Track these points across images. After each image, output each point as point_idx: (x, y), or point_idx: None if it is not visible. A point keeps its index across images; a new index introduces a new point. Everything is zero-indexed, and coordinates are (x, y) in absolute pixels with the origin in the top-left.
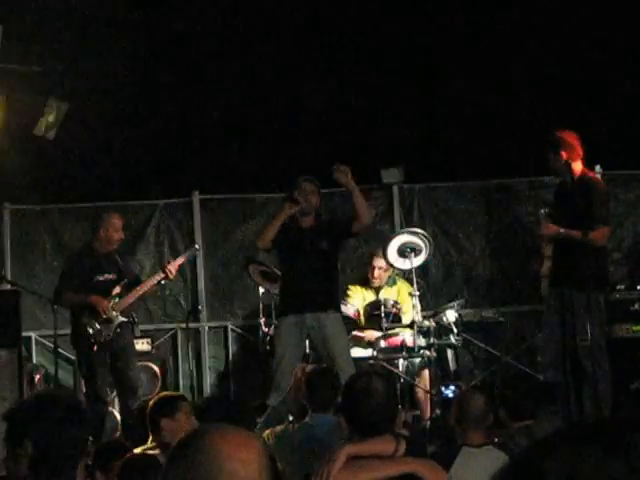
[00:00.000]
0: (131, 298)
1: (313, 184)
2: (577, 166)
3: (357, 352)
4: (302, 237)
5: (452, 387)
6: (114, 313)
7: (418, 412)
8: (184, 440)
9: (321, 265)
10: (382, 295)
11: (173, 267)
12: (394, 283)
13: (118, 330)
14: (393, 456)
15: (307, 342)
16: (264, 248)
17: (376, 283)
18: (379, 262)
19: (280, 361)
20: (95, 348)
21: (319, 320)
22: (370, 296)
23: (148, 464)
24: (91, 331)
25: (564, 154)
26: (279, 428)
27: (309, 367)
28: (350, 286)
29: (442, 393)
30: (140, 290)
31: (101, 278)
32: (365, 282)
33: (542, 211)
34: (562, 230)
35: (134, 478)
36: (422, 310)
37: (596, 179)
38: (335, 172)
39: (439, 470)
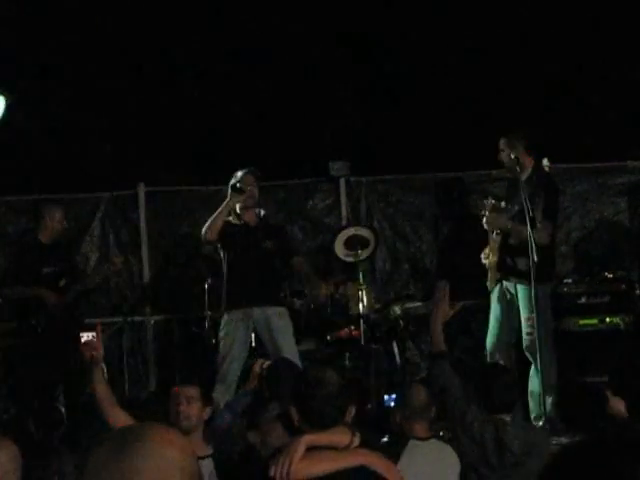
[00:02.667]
0: (77, 290)
1: (254, 176)
2: (529, 162)
3: (304, 345)
4: (246, 233)
5: (394, 396)
6: (61, 306)
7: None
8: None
9: (266, 260)
10: (342, 290)
11: (118, 259)
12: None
13: (65, 322)
14: (347, 448)
15: (253, 336)
16: (211, 240)
17: (338, 278)
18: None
19: (226, 355)
20: (43, 340)
21: (265, 314)
22: (330, 290)
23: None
24: (39, 325)
25: (517, 149)
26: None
27: (267, 362)
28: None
29: (385, 403)
30: (85, 283)
31: (47, 270)
32: (324, 276)
33: (488, 201)
34: (509, 225)
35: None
36: (369, 303)
37: (547, 175)
38: None
39: (390, 463)
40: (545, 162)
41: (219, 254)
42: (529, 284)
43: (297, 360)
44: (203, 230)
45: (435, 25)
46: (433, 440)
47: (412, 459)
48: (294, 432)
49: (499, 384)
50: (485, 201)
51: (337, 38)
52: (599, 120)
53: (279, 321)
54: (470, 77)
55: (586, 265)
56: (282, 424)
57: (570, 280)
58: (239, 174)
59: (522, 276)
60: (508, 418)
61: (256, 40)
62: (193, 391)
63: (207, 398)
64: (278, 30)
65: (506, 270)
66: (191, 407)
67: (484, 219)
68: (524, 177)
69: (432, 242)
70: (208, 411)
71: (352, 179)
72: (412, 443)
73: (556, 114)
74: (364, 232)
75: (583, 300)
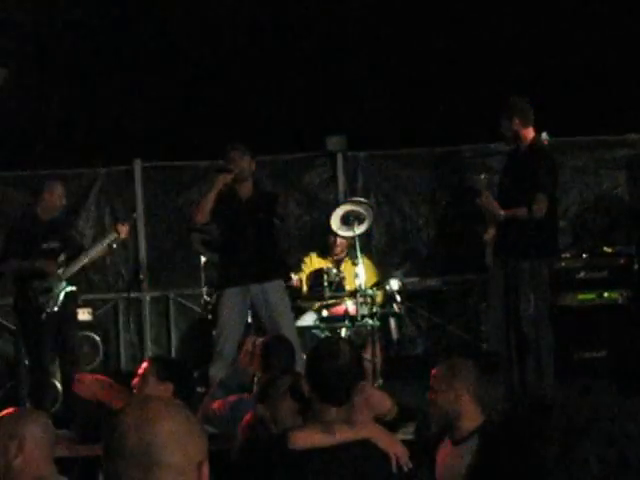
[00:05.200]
0: (80, 264)
1: (239, 150)
2: (529, 134)
3: (301, 321)
4: (240, 208)
5: None
6: (61, 281)
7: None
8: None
9: (260, 235)
10: (342, 268)
11: (124, 226)
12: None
13: (63, 299)
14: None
15: (249, 311)
16: (201, 222)
17: (339, 254)
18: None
19: (222, 331)
20: (42, 316)
21: (262, 288)
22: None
23: None
24: (37, 299)
25: (517, 121)
26: (232, 398)
27: (259, 339)
28: (306, 256)
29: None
30: (91, 253)
31: (46, 246)
32: (324, 252)
33: (481, 176)
34: (502, 212)
35: None
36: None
37: (544, 148)
38: None
39: (394, 438)
40: (544, 136)
41: (212, 232)
42: (527, 259)
43: (294, 336)
44: (192, 213)
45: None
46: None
47: None
48: (304, 405)
49: None
50: (480, 176)
51: (335, 13)
52: (598, 93)
53: (275, 295)
54: (467, 49)
55: (584, 240)
56: (292, 398)
57: (568, 255)
58: (226, 151)
59: (519, 251)
60: None
61: (253, 15)
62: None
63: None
64: (274, 7)
65: (504, 245)
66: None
67: (480, 196)
68: (522, 149)
69: (429, 217)
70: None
71: (349, 154)
72: None
73: (554, 87)
74: (360, 207)
75: (581, 275)
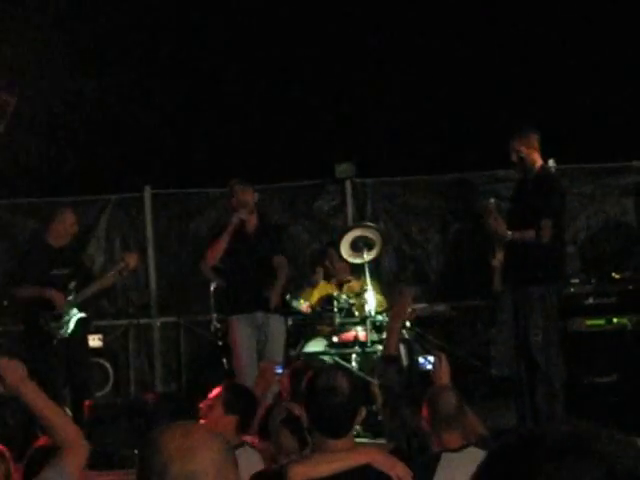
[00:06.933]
0: (90, 291)
1: (242, 184)
2: (536, 161)
3: (311, 347)
4: (247, 240)
5: (430, 358)
6: (71, 308)
7: (373, 407)
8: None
9: (265, 265)
10: (346, 289)
11: (133, 255)
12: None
13: (74, 325)
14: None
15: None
16: (214, 264)
17: (341, 277)
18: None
19: (240, 357)
20: (53, 343)
21: (266, 319)
22: (333, 291)
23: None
24: (48, 326)
25: (524, 149)
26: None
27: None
28: (312, 284)
29: (419, 364)
30: (100, 283)
31: (56, 272)
32: (327, 277)
33: (490, 201)
34: (510, 233)
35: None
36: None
37: (551, 175)
38: None
39: (395, 460)
40: (551, 163)
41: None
42: (536, 285)
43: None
44: (208, 257)
45: (441, 27)
46: (469, 449)
47: (449, 474)
48: (302, 434)
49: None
50: (490, 201)
51: (344, 42)
52: (604, 120)
53: (276, 329)
54: (477, 77)
55: (593, 266)
56: (288, 428)
57: (577, 280)
58: (230, 187)
59: (528, 277)
60: None
61: (264, 41)
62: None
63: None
64: (285, 32)
65: (512, 271)
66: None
67: (485, 226)
68: (530, 177)
69: (438, 243)
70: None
71: (357, 180)
72: (445, 456)
73: (562, 115)
74: (370, 233)
75: (590, 300)
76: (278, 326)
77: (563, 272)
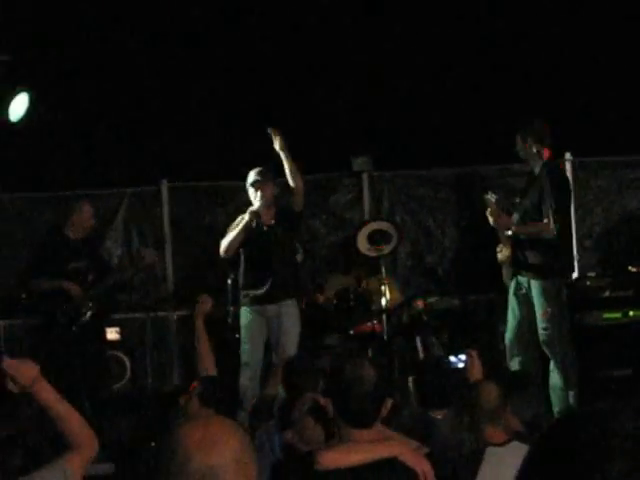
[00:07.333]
0: (108, 284)
1: (262, 176)
2: (543, 154)
3: (327, 340)
4: (263, 233)
5: (462, 356)
6: (88, 301)
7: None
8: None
9: (280, 257)
10: (364, 284)
11: (150, 251)
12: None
13: (91, 318)
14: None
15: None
16: (228, 256)
17: (362, 273)
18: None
19: (246, 344)
20: (70, 336)
21: (279, 310)
22: (350, 284)
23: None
24: (65, 318)
25: (531, 142)
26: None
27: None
28: (331, 276)
29: (450, 363)
30: (117, 276)
31: (74, 265)
32: (346, 271)
33: (488, 196)
34: (513, 228)
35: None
36: (393, 297)
37: (557, 167)
38: (272, 136)
39: (420, 455)
40: (568, 156)
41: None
42: (541, 279)
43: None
44: (221, 249)
45: (455, 18)
46: (513, 443)
47: (495, 469)
48: (328, 425)
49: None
50: (485, 196)
51: (360, 33)
52: (621, 113)
53: (290, 319)
54: (493, 70)
55: (610, 259)
56: (313, 418)
57: (594, 274)
58: (251, 175)
59: (533, 271)
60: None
61: (279, 33)
62: None
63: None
64: (301, 23)
65: (518, 265)
66: None
67: (491, 215)
68: (537, 170)
69: (454, 236)
70: None
71: (374, 174)
72: (490, 451)
73: (578, 107)
74: (387, 226)
75: (607, 294)
76: (292, 317)
77: (570, 265)
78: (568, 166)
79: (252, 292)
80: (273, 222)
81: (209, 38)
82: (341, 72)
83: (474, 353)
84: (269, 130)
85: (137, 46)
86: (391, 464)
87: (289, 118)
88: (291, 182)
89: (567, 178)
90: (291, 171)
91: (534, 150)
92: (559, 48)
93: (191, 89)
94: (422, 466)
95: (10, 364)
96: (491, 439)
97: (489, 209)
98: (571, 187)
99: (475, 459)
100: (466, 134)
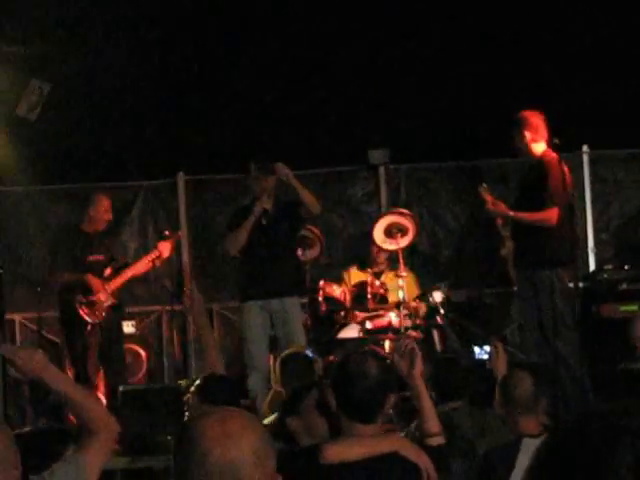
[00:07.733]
0: (123, 278)
1: (264, 170)
2: (539, 147)
3: (344, 333)
4: (262, 226)
5: (487, 347)
6: (106, 294)
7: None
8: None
9: (282, 249)
10: (383, 280)
11: (166, 244)
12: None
13: (109, 312)
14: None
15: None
16: (233, 255)
17: (380, 267)
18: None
19: (252, 346)
20: (88, 329)
21: (283, 304)
22: (367, 277)
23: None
24: (83, 312)
25: (527, 134)
26: None
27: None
28: (346, 271)
29: (473, 354)
30: (133, 270)
31: (92, 259)
32: (363, 265)
33: (482, 186)
34: (511, 213)
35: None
36: (410, 290)
37: (552, 160)
38: (276, 172)
39: (420, 449)
40: (585, 149)
41: None
42: (543, 270)
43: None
44: (226, 246)
45: (465, 12)
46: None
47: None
48: (331, 419)
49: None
50: (479, 188)
51: (377, 26)
52: (638, 106)
53: (294, 315)
54: (510, 63)
55: (626, 251)
56: (318, 412)
57: (610, 266)
58: (250, 170)
59: (537, 262)
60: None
61: (296, 24)
62: None
63: None
64: (317, 19)
65: (521, 258)
66: None
67: (486, 206)
68: (533, 163)
69: (471, 229)
70: None
71: (391, 167)
72: (526, 442)
73: (595, 100)
74: (403, 219)
75: (624, 286)
76: (295, 311)
77: (572, 255)
78: (585, 159)
79: (255, 287)
80: (271, 214)
81: (226, 31)
82: (358, 65)
83: (499, 345)
84: (270, 168)
85: (153, 37)
86: (394, 458)
87: (306, 111)
88: (311, 210)
89: (563, 170)
90: (308, 201)
91: (530, 144)
92: (578, 40)
93: (209, 82)
94: (423, 460)
95: (7, 349)
96: (525, 430)
97: (487, 200)
98: (566, 178)
99: (512, 450)
100: (483, 127)
